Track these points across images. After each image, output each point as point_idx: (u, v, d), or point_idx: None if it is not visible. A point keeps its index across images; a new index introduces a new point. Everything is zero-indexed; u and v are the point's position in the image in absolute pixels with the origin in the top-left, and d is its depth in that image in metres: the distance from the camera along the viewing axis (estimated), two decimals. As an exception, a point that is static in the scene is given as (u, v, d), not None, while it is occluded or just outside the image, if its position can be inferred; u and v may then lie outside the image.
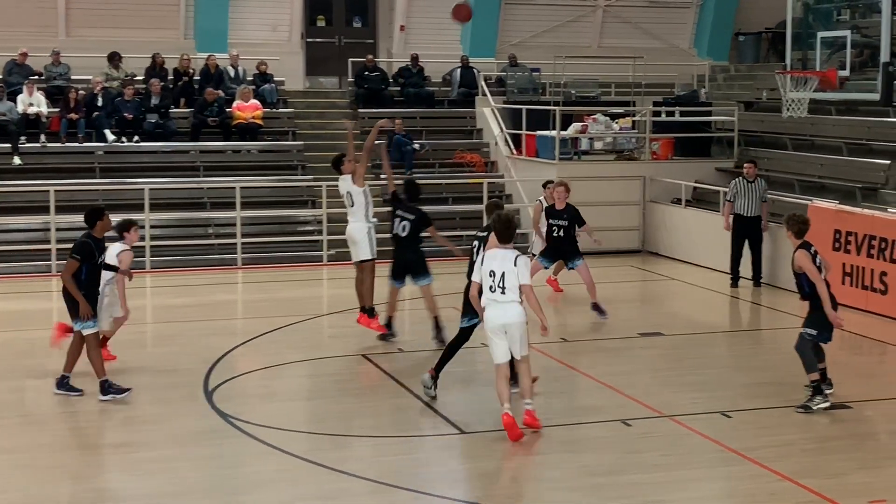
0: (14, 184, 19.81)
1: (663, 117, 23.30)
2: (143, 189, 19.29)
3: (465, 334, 11.02)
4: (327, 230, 19.95)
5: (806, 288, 10.68)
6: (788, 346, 12.00)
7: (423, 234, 13.39)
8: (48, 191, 18.85)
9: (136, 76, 22.61)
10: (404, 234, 13.30)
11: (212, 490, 8.68)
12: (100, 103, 21.43)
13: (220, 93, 22.36)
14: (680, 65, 27.18)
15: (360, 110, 24.11)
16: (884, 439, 10.26)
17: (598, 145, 21.93)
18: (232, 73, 23.55)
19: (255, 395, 11.41)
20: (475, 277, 10.01)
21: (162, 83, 22.23)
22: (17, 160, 20.30)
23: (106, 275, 11.53)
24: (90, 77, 22.05)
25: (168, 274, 18.32)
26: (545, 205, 15.86)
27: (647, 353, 13.15)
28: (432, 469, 9.15)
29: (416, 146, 22.72)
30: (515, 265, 9.61)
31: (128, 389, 11.03)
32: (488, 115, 23.85)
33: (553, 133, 21.00)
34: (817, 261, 10.67)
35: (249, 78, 23.47)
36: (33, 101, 21.00)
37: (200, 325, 14.86)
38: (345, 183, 13.82)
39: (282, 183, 21.42)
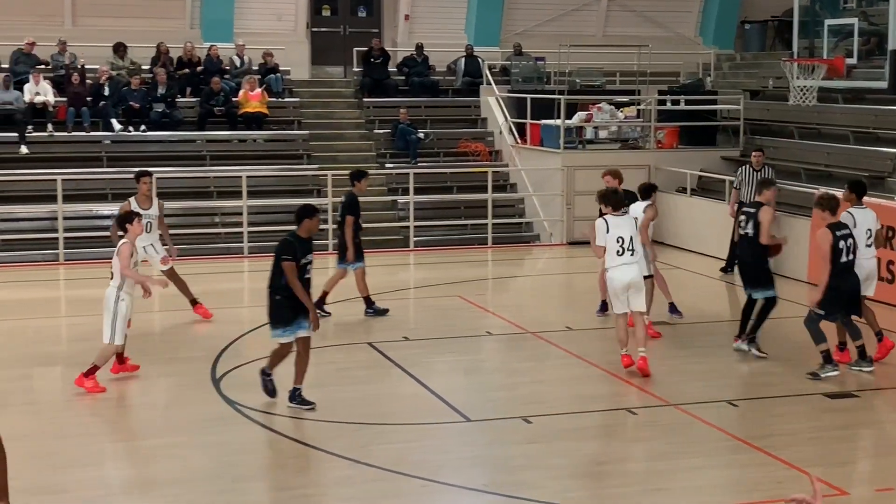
0: (21, 173, 19.86)
1: (668, 106, 23.27)
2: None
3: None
4: (332, 219, 19.94)
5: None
6: (795, 335, 12.04)
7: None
8: (55, 180, 18.88)
9: (140, 66, 22.61)
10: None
11: (219, 476, 8.71)
12: (106, 93, 21.46)
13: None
14: (685, 53, 27.15)
15: (366, 99, 24.13)
16: (891, 428, 10.27)
17: (602, 134, 21.91)
18: (238, 62, 23.56)
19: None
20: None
21: (168, 72, 22.25)
22: (23, 149, 20.35)
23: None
24: (97, 67, 22.07)
25: (175, 262, 18.30)
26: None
27: (653, 342, 13.14)
28: (438, 456, 9.17)
29: (421, 135, 22.74)
30: (637, 228, 11.30)
31: (312, 404, 10.17)
32: (493, 105, 23.84)
33: (558, 122, 20.98)
34: (844, 243, 10.94)
35: (255, 67, 23.48)
36: (40, 91, 21.04)
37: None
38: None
39: (287, 172, 21.45)
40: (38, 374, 12.11)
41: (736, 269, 13.71)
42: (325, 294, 14.08)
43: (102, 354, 10.84)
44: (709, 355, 12.51)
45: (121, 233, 11.41)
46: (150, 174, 14.19)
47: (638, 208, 12.78)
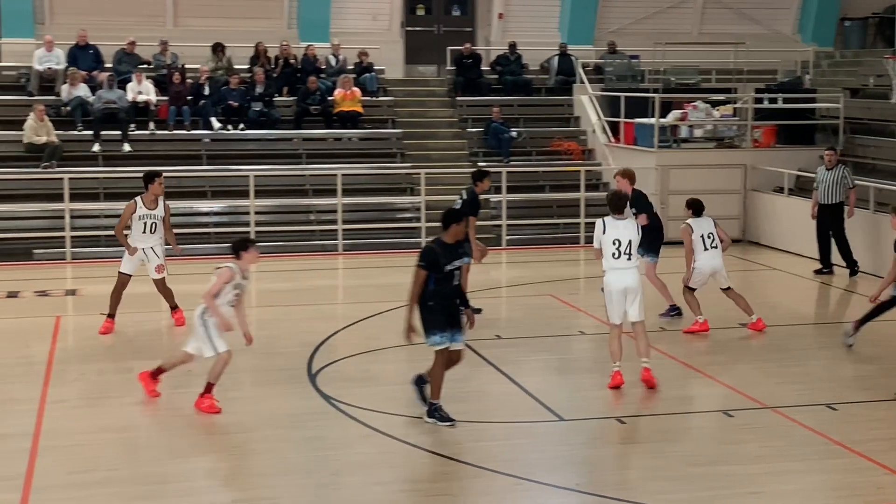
0: (124, 170, 20.34)
1: (766, 104, 22.93)
2: (247, 176, 19.70)
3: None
4: (425, 217, 20.12)
5: None
6: (894, 337, 11.82)
7: None
8: (156, 177, 19.27)
9: (234, 66, 23.00)
10: None
11: (313, 471, 8.87)
12: (206, 92, 21.89)
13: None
14: (783, 51, 26.72)
15: (459, 98, 24.23)
16: None
17: (697, 133, 21.67)
18: (333, 61, 23.85)
19: (356, 379, 11.58)
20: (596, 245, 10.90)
21: (265, 72, 22.61)
22: (126, 147, 20.85)
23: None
24: (197, 66, 22.54)
25: (271, 259, 18.64)
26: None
27: (748, 344, 13.02)
28: (531, 455, 9.20)
29: (514, 134, 22.75)
30: (639, 234, 10.84)
31: (453, 421, 9.78)
32: (586, 103, 23.76)
33: (652, 121, 20.83)
34: None
35: (350, 66, 23.75)
36: (142, 90, 21.54)
37: (302, 309, 15.14)
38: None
39: (381, 170, 21.65)
40: (137, 367, 12.35)
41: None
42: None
43: (214, 371, 10.37)
44: (806, 358, 12.35)
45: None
46: (162, 174, 13.73)
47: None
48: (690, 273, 13.26)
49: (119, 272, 13.59)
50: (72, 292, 16.61)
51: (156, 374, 10.77)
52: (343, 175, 20.16)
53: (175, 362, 10.72)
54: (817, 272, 17.23)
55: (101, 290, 16.34)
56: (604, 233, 10.77)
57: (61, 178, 19.15)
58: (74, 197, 19.10)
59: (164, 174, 19.26)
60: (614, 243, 10.71)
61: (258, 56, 23.22)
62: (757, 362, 12.15)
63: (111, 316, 13.60)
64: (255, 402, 10.78)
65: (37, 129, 20.20)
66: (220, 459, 9.19)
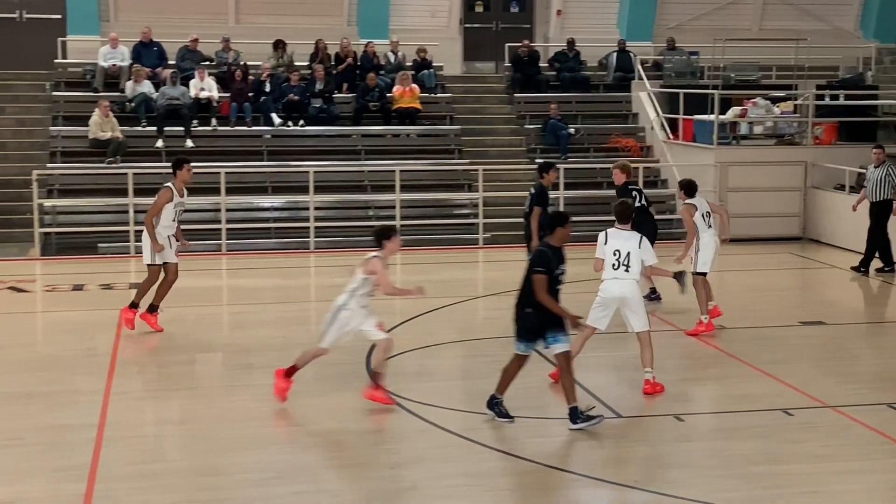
0: (186, 166, 20.65)
1: (827, 101, 22.69)
2: (307, 172, 19.87)
3: None
4: (483, 213, 20.17)
5: None
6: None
7: None
8: (219, 172, 19.58)
9: (295, 63, 23.18)
10: None
11: (372, 464, 8.96)
12: (267, 88, 22.11)
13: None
14: (845, 47, 26.42)
15: (517, 95, 24.24)
16: None
17: (757, 130, 21.51)
18: (392, 58, 23.98)
19: (413, 373, 11.69)
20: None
21: (325, 69, 22.79)
22: (189, 143, 21.13)
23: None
24: (258, 63, 22.78)
25: (330, 254, 18.83)
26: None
27: (808, 342, 12.92)
28: (590, 451, 9.23)
29: (571, 130, 22.73)
30: (640, 247, 10.55)
31: (599, 416, 9.64)
32: (644, 100, 23.67)
33: (711, 117, 20.71)
34: None
35: (409, 63, 23.85)
36: (205, 86, 21.82)
37: (361, 304, 15.26)
38: None
39: (439, 166, 21.74)
40: (200, 359, 12.60)
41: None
42: None
43: (377, 359, 10.51)
44: (867, 357, 12.23)
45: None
46: (191, 161, 13.52)
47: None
48: (686, 252, 13.12)
49: (147, 264, 13.13)
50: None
51: (290, 372, 10.48)
52: (401, 171, 20.28)
53: (308, 358, 10.59)
54: (879, 270, 17.05)
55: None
56: (605, 243, 10.76)
57: (125, 174, 19.46)
58: (138, 192, 19.38)
59: (225, 170, 19.80)
60: (615, 254, 10.66)
61: (318, 53, 23.40)
62: (816, 361, 12.06)
63: (155, 308, 13.25)
64: (315, 396, 10.89)
65: (102, 125, 20.54)
66: (280, 452, 9.29)
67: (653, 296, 14.20)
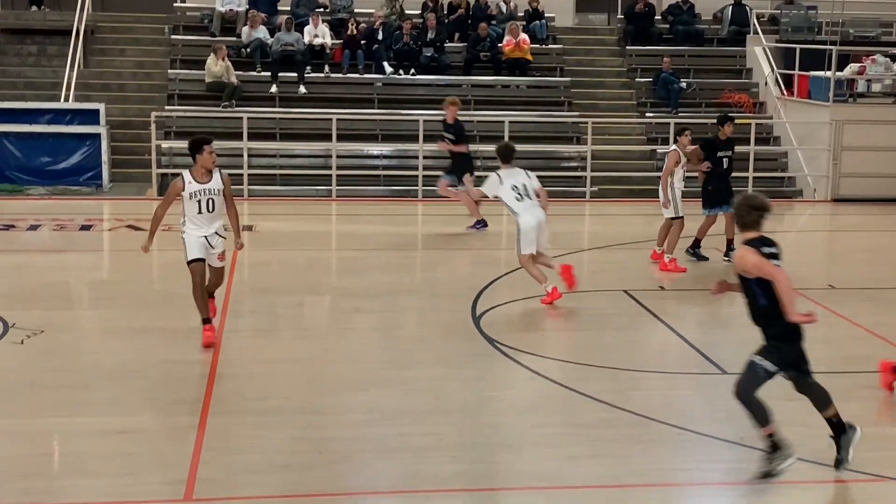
0: (299, 111, 20.96)
1: (950, 59, 22.00)
2: (417, 120, 20.01)
3: None
4: (591, 167, 20.10)
5: None
6: None
7: None
8: (330, 119, 19.84)
9: (407, 12, 23.24)
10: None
11: (476, 411, 9.08)
12: (379, 37, 22.25)
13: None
14: (973, 4, 25.49)
15: (629, 48, 23.96)
16: None
17: (875, 88, 21.00)
18: (504, 8, 23.89)
19: (519, 324, 11.80)
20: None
21: (437, 18, 22.82)
22: (302, 89, 21.43)
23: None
24: (371, 10, 22.91)
25: (438, 203, 18.98)
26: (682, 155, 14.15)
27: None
28: (694, 406, 9.24)
29: (683, 85, 22.44)
30: (528, 176, 12.20)
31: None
32: (759, 55, 23.21)
33: (828, 74, 20.25)
34: None
35: (520, 14, 23.74)
36: (318, 33, 22.05)
37: (467, 253, 15.43)
38: None
39: (548, 118, 21.67)
40: (308, 301, 12.89)
41: None
42: (697, 240, 14.60)
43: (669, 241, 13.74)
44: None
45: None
46: (211, 142, 10.56)
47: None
48: (668, 197, 13.96)
49: (188, 262, 10.60)
50: (248, 228, 17.23)
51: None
52: (510, 122, 20.28)
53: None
54: None
55: (276, 227, 17.03)
56: (501, 183, 12.07)
57: (240, 118, 19.84)
58: (252, 136, 19.79)
59: (336, 117, 20.04)
60: (513, 189, 12.00)
61: (430, 2, 23.42)
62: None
63: (206, 321, 10.65)
64: (420, 342, 11.08)
65: (217, 70, 20.91)
66: (385, 395, 9.42)
67: (478, 225, 16.44)
